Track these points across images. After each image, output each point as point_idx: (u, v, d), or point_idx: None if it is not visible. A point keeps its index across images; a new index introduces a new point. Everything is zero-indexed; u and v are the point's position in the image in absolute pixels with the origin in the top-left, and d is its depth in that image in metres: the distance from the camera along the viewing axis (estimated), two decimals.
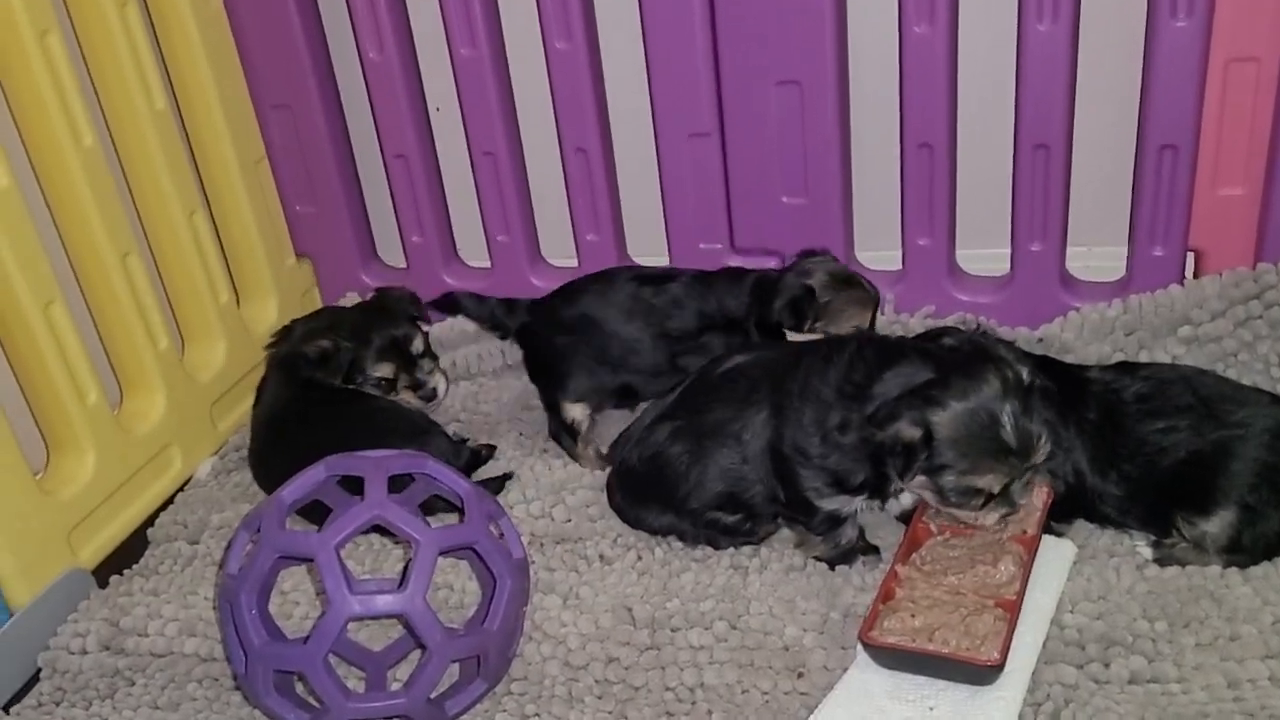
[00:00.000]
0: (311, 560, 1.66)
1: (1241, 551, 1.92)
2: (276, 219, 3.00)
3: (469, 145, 2.85)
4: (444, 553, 1.72)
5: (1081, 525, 2.08)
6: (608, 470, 2.33)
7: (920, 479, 1.85)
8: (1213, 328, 2.39)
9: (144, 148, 2.52)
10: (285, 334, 2.65)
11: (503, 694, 1.91)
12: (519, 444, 2.60)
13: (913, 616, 1.80)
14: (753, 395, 2.04)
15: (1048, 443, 1.82)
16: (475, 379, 2.87)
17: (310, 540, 1.67)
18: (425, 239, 3.00)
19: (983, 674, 1.70)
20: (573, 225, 2.89)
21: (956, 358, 1.87)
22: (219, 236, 2.81)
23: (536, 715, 1.86)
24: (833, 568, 2.06)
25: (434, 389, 2.65)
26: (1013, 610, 1.77)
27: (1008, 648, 1.70)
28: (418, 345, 2.64)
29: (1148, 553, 1.99)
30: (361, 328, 2.60)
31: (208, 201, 2.78)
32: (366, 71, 2.82)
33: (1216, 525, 1.91)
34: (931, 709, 1.68)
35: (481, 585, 1.88)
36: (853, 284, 2.37)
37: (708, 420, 2.08)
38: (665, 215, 2.82)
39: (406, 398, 2.62)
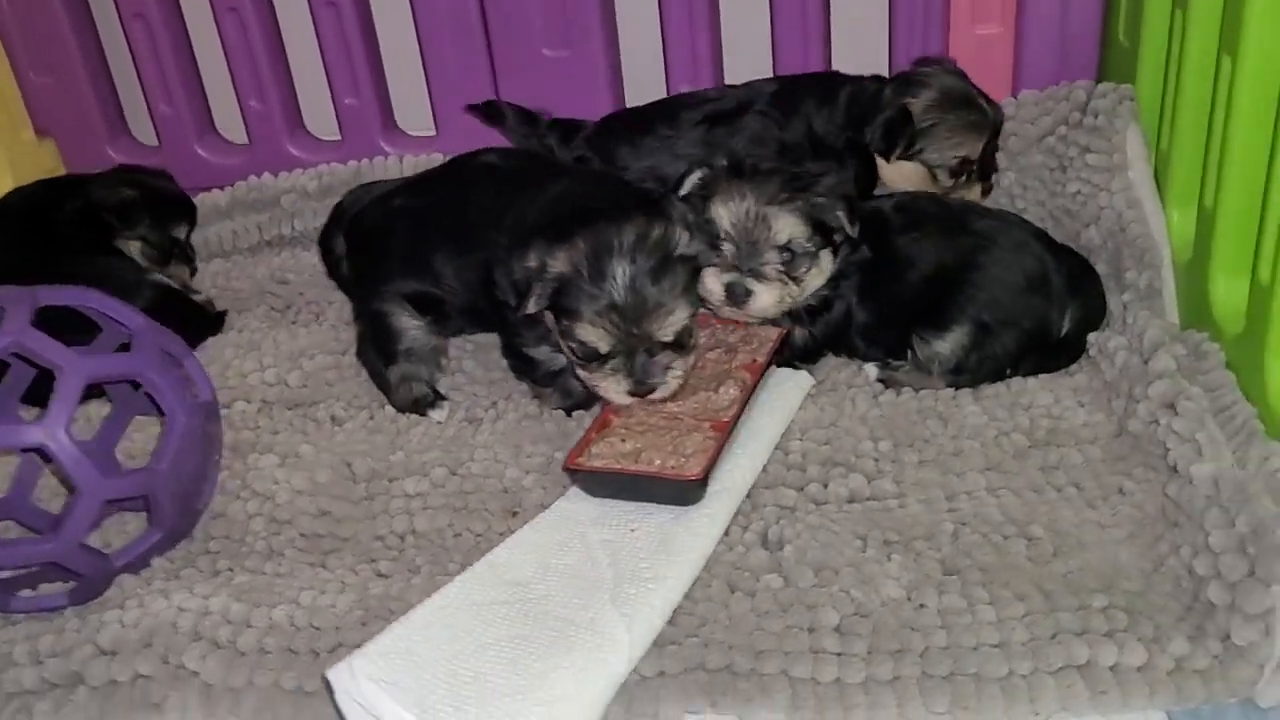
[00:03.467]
0: None
1: (965, 372, 1.86)
2: (9, 90, 2.74)
3: (212, 3, 2.63)
4: (99, 383, 1.56)
5: (826, 361, 2.01)
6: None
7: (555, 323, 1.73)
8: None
9: None
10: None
11: (198, 553, 1.76)
12: (267, 316, 2.43)
13: (623, 441, 1.70)
14: (491, 207, 1.89)
15: (668, 316, 1.66)
16: (230, 256, 2.68)
17: None
18: (175, 109, 2.78)
19: (686, 491, 1.60)
20: (330, 89, 2.70)
21: (618, 205, 1.72)
22: None
23: (230, 570, 1.71)
24: (569, 415, 1.95)
25: (196, 267, 2.55)
26: (724, 430, 1.68)
27: (712, 463, 1.61)
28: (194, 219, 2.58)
29: (873, 373, 1.93)
30: (158, 184, 2.49)
31: None
32: None
33: (948, 345, 1.86)
34: (633, 530, 1.58)
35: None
36: (965, 104, 2.08)
37: (446, 211, 1.96)
38: (426, 73, 2.65)
39: (175, 270, 2.46)
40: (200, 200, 2.70)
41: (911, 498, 1.67)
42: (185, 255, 2.51)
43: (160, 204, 2.44)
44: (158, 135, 2.84)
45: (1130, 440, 1.68)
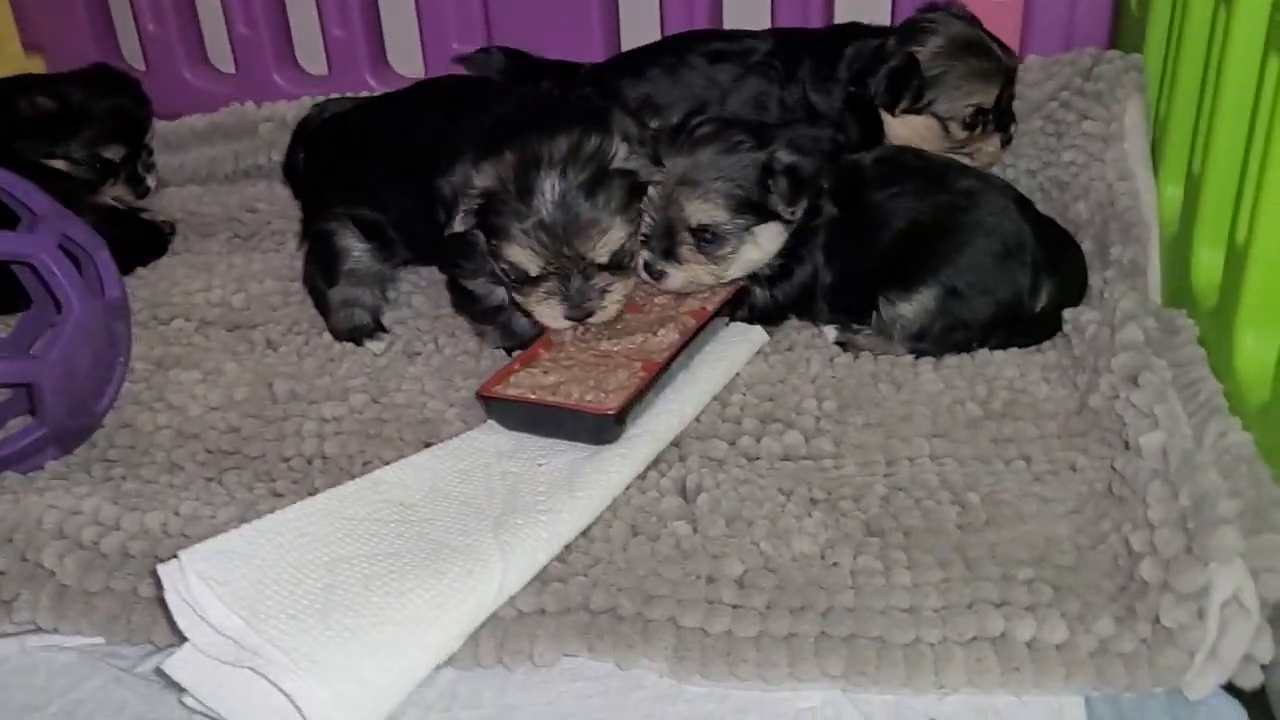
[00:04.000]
0: None
1: (927, 339, 1.74)
2: None
3: None
4: None
5: (788, 323, 1.89)
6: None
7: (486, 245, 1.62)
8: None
9: None
10: None
11: (95, 459, 1.68)
12: (229, 242, 2.35)
13: (545, 374, 1.60)
14: (437, 130, 1.77)
15: (602, 235, 1.55)
16: (205, 183, 2.60)
17: None
18: (164, 31, 2.72)
19: (600, 426, 1.49)
20: (319, 18, 2.63)
21: (554, 112, 1.62)
22: None
23: (124, 478, 1.63)
24: (510, 355, 1.85)
25: (148, 187, 2.38)
26: (652, 371, 1.57)
27: (631, 401, 1.50)
28: (152, 133, 2.36)
29: (831, 334, 1.80)
30: (93, 93, 2.25)
31: None
32: None
33: (913, 308, 1.73)
34: (540, 466, 1.48)
35: None
36: (975, 50, 1.93)
37: (394, 134, 1.85)
38: (418, 10, 2.57)
39: (117, 192, 2.31)
40: (180, 124, 2.64)
41: (849, 459, 1.55)
42: (131, 175, 2.33)
43: (87, 120, 2.23)
44: (145, 58, 2.77)
45: (1091, 416, 1.55)
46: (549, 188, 1.50)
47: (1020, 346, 1.75)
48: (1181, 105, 1.71)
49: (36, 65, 2.79)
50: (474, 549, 1.28)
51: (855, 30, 2.10)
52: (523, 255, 1.55)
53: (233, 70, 2.74)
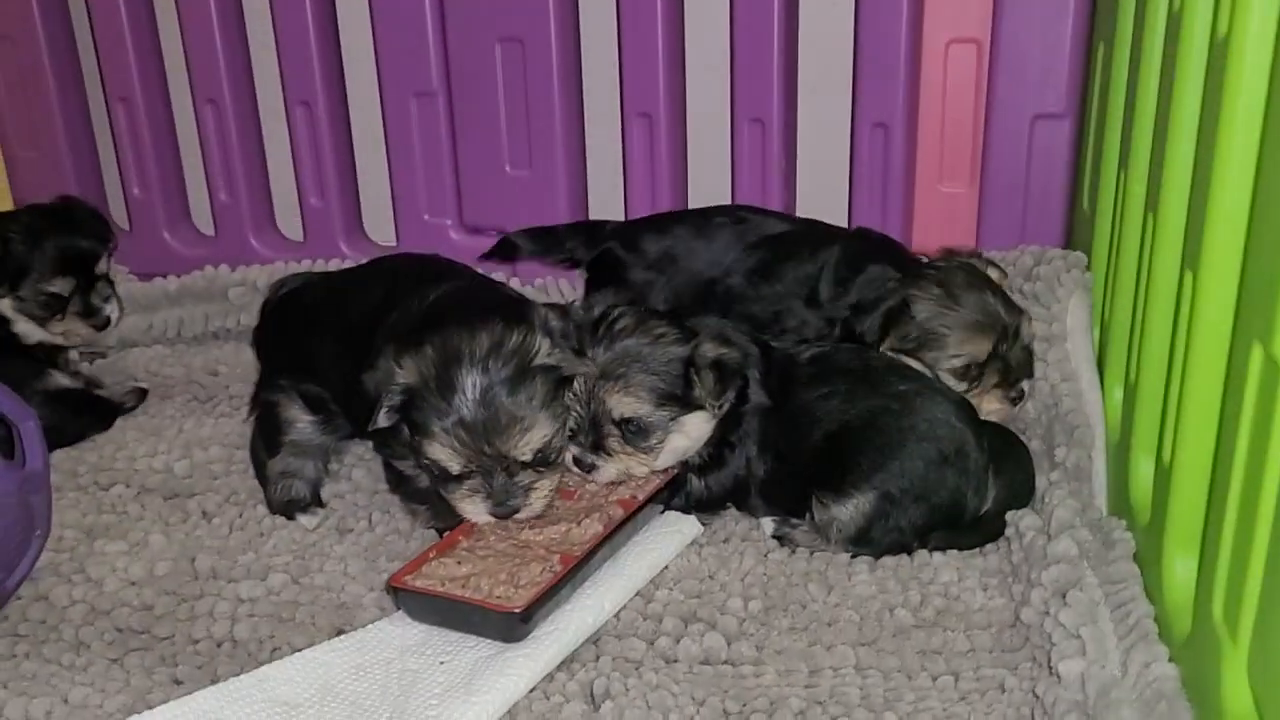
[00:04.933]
0: None
1: (870, 544, 1.68)
2: None
3: (193, 93, 2.66)
4: None
5: (727, 513, 1.84)
6: None
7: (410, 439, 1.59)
8: None
9: None
10: None
11: (5, 633, 1.63)
12: (185, 405, 2.35)
13: (459, 564, 1.55)
14: (374, 309, 1.76)
15: (525, 433, 1.51)
16: (173, 344, 2.62)
17: None
18: (148, 194, 2.78)
19: (506, 624, 1.44)
20: (297, 188, 2.69)
21: (483, 310, 1.59)
22: None
23: (26, 655, 1.58)
24: (440, 536, 1.81)
25: (107, 317, 2.27)
26: (569, 564, 1.52)
27: (539, 599, 1.45)
28: (103, 265, 2.26)
29: (769, 527, 1.75)
30: (37, 230, 2.17)
31: None
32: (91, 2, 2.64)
33: (848, 512, 1.68)
34: (443, 663, 1.42)
35: None
36: (973, 302, 1.86)
37: (335, 310, 1.86)
38: (392, 183, 2.62)
39: (69, 326, 2.24)
40: (152, 285, 2.67)
41: (770, 666, 1.48)
42: (86, 308, 2.24)
43: (31, 256, 2.16)
44: (129, 219, 2.83)
45: (1024, 630, 1.48)
46: (470, 385, 1.48)
47: (961, 549, 1.69)
48: (1121, 309, 1.70)
49: None
50: None
51: (882, 248, 2.05)
52: (444, 454, 1.52)
53: (213, 233, 2.78)
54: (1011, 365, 1.88)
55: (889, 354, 1.88)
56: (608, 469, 1.69)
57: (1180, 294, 1.30)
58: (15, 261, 2.16)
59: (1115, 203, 1.75)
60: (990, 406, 1.88)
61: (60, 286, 2.21)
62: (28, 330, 2.23)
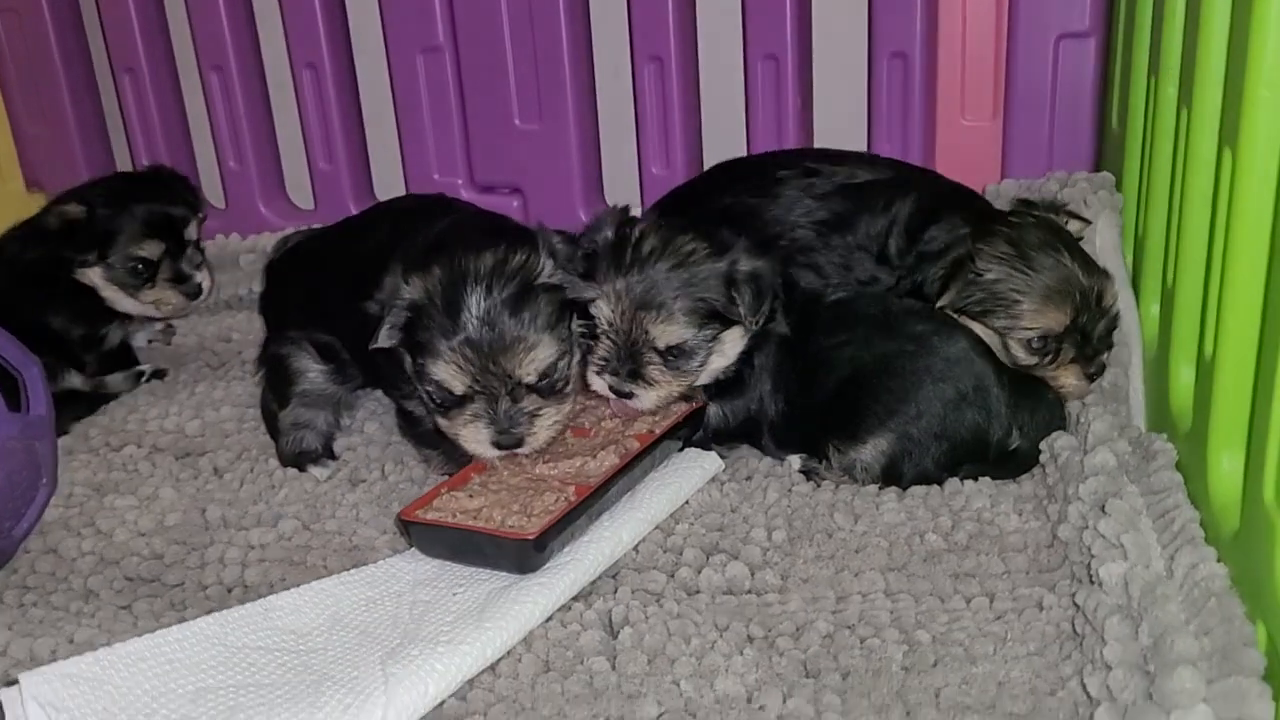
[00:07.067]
0: None
1: (899, 479, 1.62)
2: (2, 143, 2.75)
3: (199, 60, 2.62)
4: None
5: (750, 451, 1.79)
6: None
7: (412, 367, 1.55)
8: None
9: None
10: None
11: (9, 585, 1.59)
12: (198, 373, 2.31)
13: (470, 497, 1.50)
14: (381, 248, 1.69)
15: (529, 351, 1.47)
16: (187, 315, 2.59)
17: None
18: None
19: (520, 553, 1.38)
20: (306, 153, 2.65)
21: (484, 232, 1.57)
22: None
23: (34, 604, 1.55)
24: None
25: (199, 284, 2.18)
26: (584, 494, 1.47)
27: (553, 526, 1.39)
28: (191, 231, 2.18)
29: (796, 463, 1.69)
30: (123, 195, 2.11)
31: None
32: None
33: (869, 452, 1.62)
34: (456, 594, 1.37)
35: None
36: (1047, 265, 1.64)
37: (343, 254, 1.82)
38: (401, 143, 2.58)
39: (160, 294, 2.16)
40: (221, 243, 2.64)
41: (795, 593, 1.42)
42: (177, 274, 2.15)
43: (119, 220, 2.10)
44: None
45: (1061, 549, 1.41)
46: (475, 303, 1.44)
47: (994, 480, 1.63)
48: (1155, 220, 1.63)
49: (37, 202, 2.82)
50: (358, 681, 1.16)
51: (954, 197, 1.87)
52: (449, 372, 1.47)
53: (224, 206, 2.75)
54: (1091, 338, 1.66)
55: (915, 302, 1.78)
56: (648, 396, 1.63)
57: (1219, 177, 1.23)
58: (101, 226, 2.09)
59: (1145, 113, 1.68)
60: (1066, 382, 1.67)
61: (150, 250, 2.12)
62: (115, 298, 2.15)
